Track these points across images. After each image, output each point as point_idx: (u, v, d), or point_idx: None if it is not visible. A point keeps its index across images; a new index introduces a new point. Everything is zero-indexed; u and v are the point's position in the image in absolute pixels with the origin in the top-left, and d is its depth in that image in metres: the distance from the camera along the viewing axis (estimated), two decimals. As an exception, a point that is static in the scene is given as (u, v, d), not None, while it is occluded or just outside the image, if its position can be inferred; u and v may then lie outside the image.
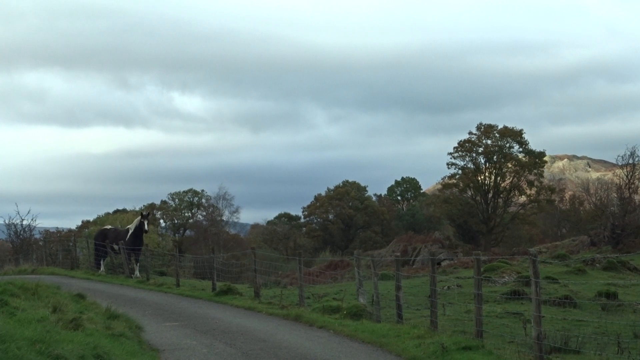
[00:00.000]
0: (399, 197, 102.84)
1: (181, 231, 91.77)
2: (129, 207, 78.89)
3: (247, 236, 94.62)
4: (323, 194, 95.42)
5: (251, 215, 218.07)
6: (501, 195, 75.92)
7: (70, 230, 62.20)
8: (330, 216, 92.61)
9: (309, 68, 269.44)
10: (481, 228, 75.14)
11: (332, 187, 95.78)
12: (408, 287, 26.37)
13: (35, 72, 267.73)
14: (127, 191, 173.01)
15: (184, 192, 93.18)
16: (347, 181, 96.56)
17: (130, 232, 32.21)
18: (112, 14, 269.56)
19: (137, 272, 31.67)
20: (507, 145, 75.33)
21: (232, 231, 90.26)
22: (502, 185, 75.63)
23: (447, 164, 76.84)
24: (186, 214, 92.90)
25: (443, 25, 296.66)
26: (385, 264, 49.60)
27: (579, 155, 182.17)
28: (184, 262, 43.28)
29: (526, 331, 15.37)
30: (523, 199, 77.39)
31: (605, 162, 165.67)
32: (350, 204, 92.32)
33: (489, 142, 75.37)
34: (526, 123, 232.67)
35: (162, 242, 65.03)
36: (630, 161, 53.99)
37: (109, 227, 38.00)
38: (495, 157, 74.89)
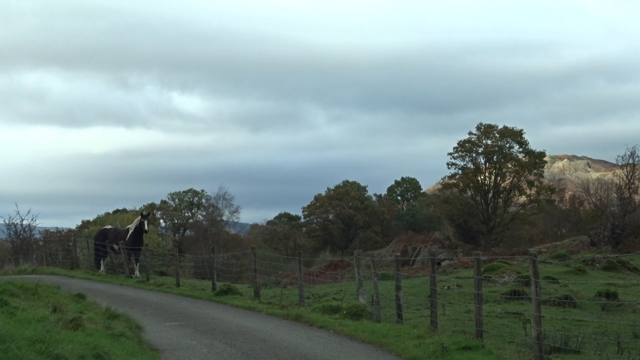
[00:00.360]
0: (399, 197, 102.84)
1: (181, 231, 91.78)
2: (129, 207, 79.04)
3: (247, 236, 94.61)
4: (323, 194, 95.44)
5: (251, 215, 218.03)
6: (501, 195, 75.92)
7: (70, 230, 62.29)
8: (330, 216, 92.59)
9: (309, 68, 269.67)
10: (481, 228, 75.15)
11: (332, 187, 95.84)
12: (408, 287, 26.37)
13: (35, 72, 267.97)
14: (127, 191, 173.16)
15: (184, 192, 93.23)
16: (347, 181, 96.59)
17: (130, 232, 32.23)
18: (112, 14, 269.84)
19: (137, 272, 31.67)
20: (507, 145, 75.34)
21: (232, 231, 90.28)
22: (502, 185, 75.63)
23: (447, 164, 76.97)
24: (186, 214, 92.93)
25: (443, 25, 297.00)
26: (385, 264, 49.60)
27: (579, 155, 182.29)
28: (184, 262, 43.28)
29: (526, 331, 15.37)
30: (523, 199, 77.38)
31: (605, 162, 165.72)
32: (350, 204, 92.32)
33: (489, 142, 75.38)
34: (526, 123, 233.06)
35: (162, 242, 65.08)
36: (630, 161, 54.04)
37: (109, 227, 38.01)
38: (495, 157, 74.89)
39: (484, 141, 75.40)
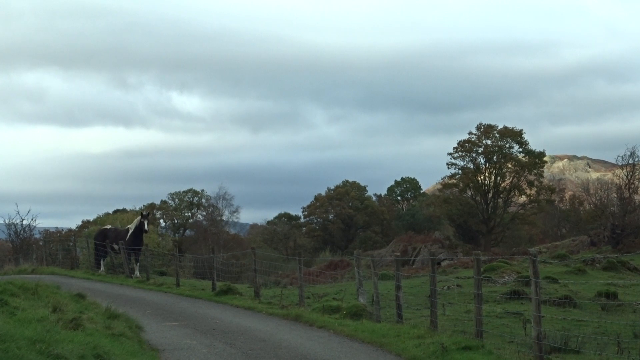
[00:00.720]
0: (398, 197, 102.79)
1: (181, 231, 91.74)
2: (129, 207, 78.93)
3: (247, 236, 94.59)
4: (323, 194, 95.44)
5: (251, 215, 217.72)
6: (501, 195, 75.90)
7: (70, 230, 62.35)
8: (330, 216, 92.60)
9: (309, 68, 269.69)
10: (481, 228, 75.13)
11: (332, 187, 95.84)
12: (408, 287, 26.36)
13: (35, 72, 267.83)
14: (126, 191, 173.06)
15: (183, 192, 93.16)
16: (347, 181, 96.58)
17: (130, 232, 32.24)
18: (112, 14, 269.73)
19: (137, 272, 31.68)
20: (507, 145, 75.30)
21: (232, 231, 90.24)
22: (502, 185, 75.61)
23: (447, 164, 76.91)
24: (186, 214, 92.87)
25: (443, 25, 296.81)
26: (385, 264, 49.59)
27: (579, 155, 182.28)
28: (184, 262, 43.29)
29: (526, 331, 15.37)
30: (523, 199, 77.36)
31: (605, 162, 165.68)
32: (350, 204, 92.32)
33: (489, 142, 75.35)
34: (526, 123, 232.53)
35: (162, 242, 65.01)
36: (630, 161, 54.08)
37: (109, 226, 38.03)
38: (495, 157, 74.86)
39: (483, 141, 75.38)
